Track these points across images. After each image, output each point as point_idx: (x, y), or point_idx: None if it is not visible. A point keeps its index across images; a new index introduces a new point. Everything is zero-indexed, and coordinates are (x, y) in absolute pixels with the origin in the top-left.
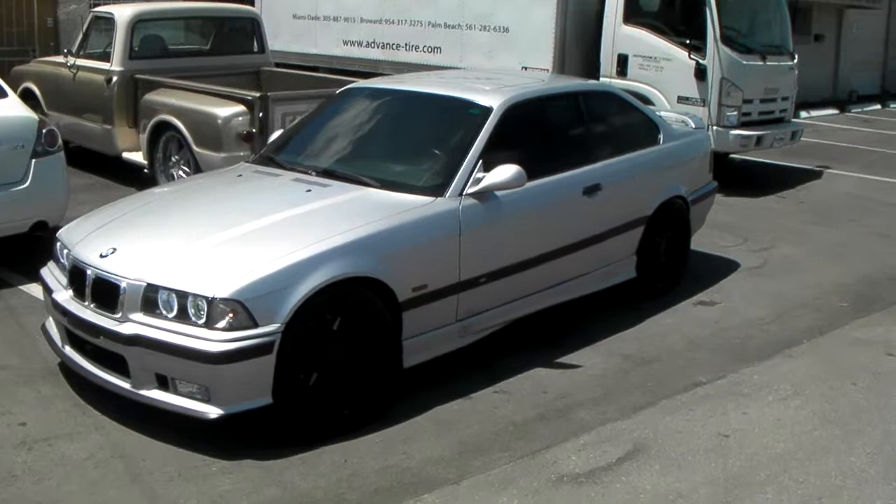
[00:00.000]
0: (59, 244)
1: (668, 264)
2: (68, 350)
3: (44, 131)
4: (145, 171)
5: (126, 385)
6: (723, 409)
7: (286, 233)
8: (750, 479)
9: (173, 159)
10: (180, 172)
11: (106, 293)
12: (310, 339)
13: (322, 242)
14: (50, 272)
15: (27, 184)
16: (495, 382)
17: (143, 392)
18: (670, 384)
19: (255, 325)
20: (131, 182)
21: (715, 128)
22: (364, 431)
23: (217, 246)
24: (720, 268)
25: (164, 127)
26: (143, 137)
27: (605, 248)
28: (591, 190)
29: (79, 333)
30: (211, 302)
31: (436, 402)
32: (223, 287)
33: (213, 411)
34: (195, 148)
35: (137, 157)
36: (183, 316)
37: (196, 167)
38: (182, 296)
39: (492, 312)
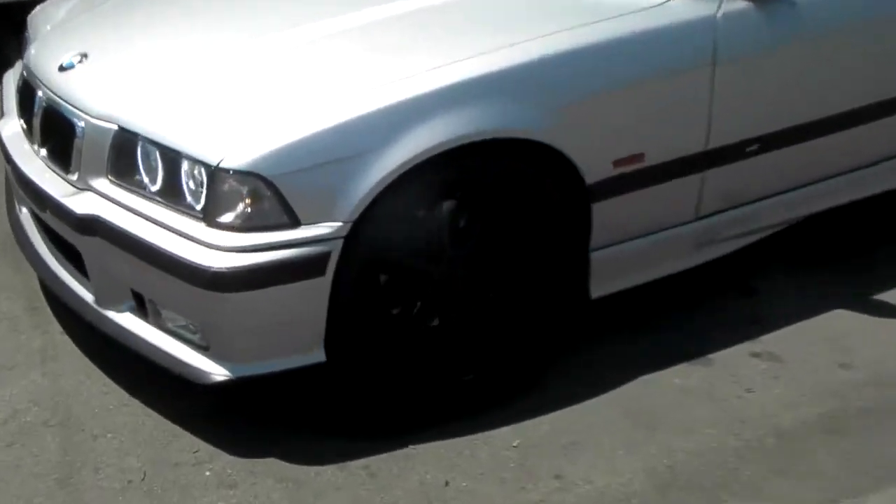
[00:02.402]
0: (27, 33)
1: None
2: (24, 217)
3: None
4: None
5: (88, 297)
6: None
7: (374, 47)
8: None
9: None
10: None
11: (60, 135)
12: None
13: (442, 70)
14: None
15: None
16: (755, 335)
17: (110, 314)
18: None
19: (295, 224)
20: None
21: None
22: (494, 418)
23: (243, 68)
24: None
25: None
26: None
27: None
28: None
29: (23, 195)
30: (214, 173)
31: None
32: (238, 149)
33: (214, 372)
34: None
35: None
36: (172, 192)
37: None
38: (171, 156)
39: (763, 205)
